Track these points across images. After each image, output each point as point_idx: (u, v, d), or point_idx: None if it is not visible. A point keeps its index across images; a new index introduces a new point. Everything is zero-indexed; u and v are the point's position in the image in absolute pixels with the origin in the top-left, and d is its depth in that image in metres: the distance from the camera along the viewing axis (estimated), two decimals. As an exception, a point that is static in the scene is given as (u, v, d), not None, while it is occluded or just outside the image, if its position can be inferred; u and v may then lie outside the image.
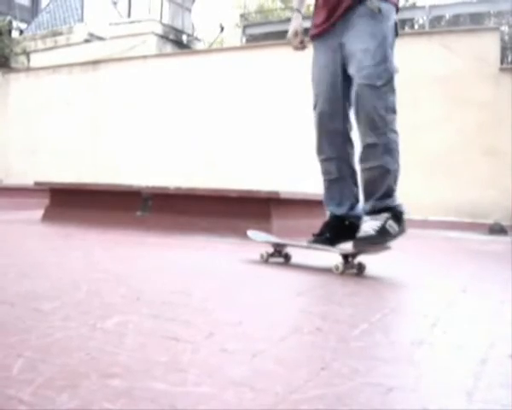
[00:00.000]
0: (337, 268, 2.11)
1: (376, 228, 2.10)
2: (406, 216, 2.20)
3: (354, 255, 2.18)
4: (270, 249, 2.43)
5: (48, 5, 17.23)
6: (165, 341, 1.09)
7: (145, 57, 9.57)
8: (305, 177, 6.14)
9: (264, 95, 7.99)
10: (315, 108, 2.37)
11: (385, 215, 2.12)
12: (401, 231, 2.15)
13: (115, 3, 14.07)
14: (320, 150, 2.40)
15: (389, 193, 2.17)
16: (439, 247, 4.17)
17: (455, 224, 6.26)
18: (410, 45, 7.19)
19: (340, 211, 2.35)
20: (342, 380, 0.92)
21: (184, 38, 12.62)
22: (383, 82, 2.13)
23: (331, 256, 2.23)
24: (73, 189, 4.82)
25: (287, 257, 2.44)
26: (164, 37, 11.80)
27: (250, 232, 2.58)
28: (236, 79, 8.34)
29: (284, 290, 1.88)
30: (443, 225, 6.24)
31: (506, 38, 9.87)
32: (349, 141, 2.35)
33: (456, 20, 11.38)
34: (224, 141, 8.33)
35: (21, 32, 14.41)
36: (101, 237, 3.46)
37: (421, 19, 11.52)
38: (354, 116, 2.24)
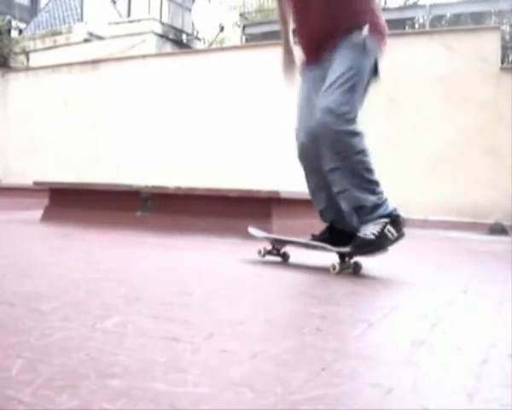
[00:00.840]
0: (334, 268, 2.11)
1: (376, 233, 2.10)
2: (404, 218, 2.20)
3: (351, 255, 2.17)
4: (269, 246, 2.44)
5: (47, 4, 17.22)
6: (164, 341, 1.09)
7: (144, 57, 9.56)
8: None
9: (264, 94, 7.98)
10: (297, 138, 2.37)
11: (383, 220, 2.11)
12: (400, 235, 2.15)
13: (115, 3, 14.06)
14: (306, 181, 2.39)
15: (375, 206, 2.14)
16: (439, 247, 4.17)
17: (455, 224, 6.26)
18: (410, 45, 7.19)
19: (340, 225, 2.30)
20: (342, 380, 0.92)
21: (184, 37, 12.62)
22: (347, 110, 2.12)
23: (328, 256, 2.22)
24: (73, 189, 4.82)
25: (285, 256, 2.44)
26: (163, 36, 11.79)
27: (251, 229, 2.60)
28: (236, 79, 8.33)
29: (283, 290, 1.87)
30: (443, 224, 6.24)
31: (507, 37, 9.87)
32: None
33: (456, 20, 11.37)
34: (224, 140, 8.33)
35: (20, 31, 14.38)
36: (100, 237, 3.46)
37: (421, 18, 11.52)
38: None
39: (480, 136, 6.59)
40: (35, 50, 12.05)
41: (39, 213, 4.66)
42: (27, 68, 11.14)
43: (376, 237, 2.10)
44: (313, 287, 1.97)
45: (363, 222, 2.15)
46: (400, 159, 6.77)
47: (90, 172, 8.98)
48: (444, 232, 5.58)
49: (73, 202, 4.53)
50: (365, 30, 2.17)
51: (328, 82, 2.18)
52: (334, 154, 2.15)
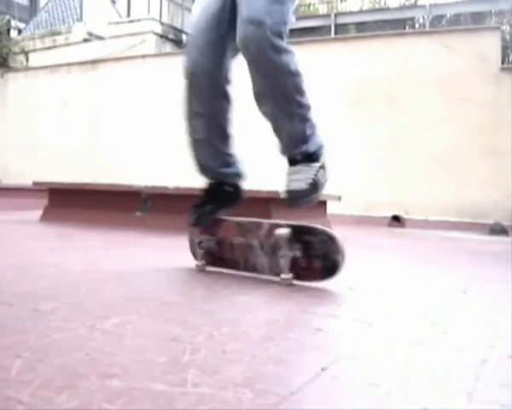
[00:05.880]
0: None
1: (309, 181, 1.83)
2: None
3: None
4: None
5: (46, 4, 17.21)
6: (164, 341, 1.09)
7: (144, 57, 9.56)
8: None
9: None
10: (189, 54, 1.99)
11: (316, 165, 1.87)
12: (325, 181, 1.91)
13: (114, 2, 14.05)
14: (187, 103, 2.03)
15: (303, 138, 1.88)
16: (439, 247, 4.17)
17: (455, 224, 6.26)
18: (410, 45, 7.19)
19: (210, 174, 2.10)
20: (342, 380, 0.92)
21: (184, 37, 12.61)
22: (276, 20, 1.77)
23: None
24: (72, 189, 4.81)
25: None
26: (163, 36, 11.78)
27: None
28: (235, 78, 8.33)
29: (282, 288, 1.87)
30: (443, 225, 6.24)
31: (507, 37, 9.86)
32: (224, 94, 2.05)
33: (456, 20, 11.37)
34: (224, 140, 8.33)
35: (20, 31, 14.39)
36: (100, 237, 3.46)
37: (421, 18, 11.52)
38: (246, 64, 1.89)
39: (480, 136, 6.59)
40: (34, 50, 12.04)
41: (39, 213, 4.65)
42: (27, 68, 11.13)
43: (311, 185, 1.83)
44: (308, 286, 1.96)
45: (292, 162, 1.89)
46: (400, 159, 6.77)
47: (89, 172, 8.98)
48: (444, 232, 5.57)
49: (73, 202, 4.53)
50: None
51: None
52: (261, 74, 1.86)
